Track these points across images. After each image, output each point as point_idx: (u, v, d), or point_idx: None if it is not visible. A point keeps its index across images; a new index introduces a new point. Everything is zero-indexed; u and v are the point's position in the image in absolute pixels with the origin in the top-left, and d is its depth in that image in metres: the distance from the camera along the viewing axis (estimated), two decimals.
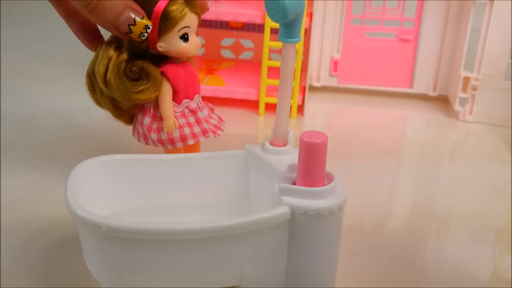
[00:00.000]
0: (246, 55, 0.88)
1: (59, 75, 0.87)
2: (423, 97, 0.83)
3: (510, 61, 0.72)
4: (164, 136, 0.50)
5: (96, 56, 0.48)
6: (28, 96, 0.78)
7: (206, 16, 0.73)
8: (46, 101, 0.77)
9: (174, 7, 0.47)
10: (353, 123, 0.75)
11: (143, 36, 0.46)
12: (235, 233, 0.37)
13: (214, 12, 0.73)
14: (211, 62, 0.85)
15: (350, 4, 0.79)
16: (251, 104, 0.76)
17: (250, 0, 0.76)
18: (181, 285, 0.38)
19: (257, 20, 0.72)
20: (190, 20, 0.48)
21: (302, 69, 0.76)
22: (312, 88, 0.83)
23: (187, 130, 0.50)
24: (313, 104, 0.79)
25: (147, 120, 0.51)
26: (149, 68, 0.48)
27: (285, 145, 0.44)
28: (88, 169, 0.43)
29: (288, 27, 0.39)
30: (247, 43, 0.87)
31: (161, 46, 0.48)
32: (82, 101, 0.78)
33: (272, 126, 0.45)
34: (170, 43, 0.48)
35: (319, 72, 0.82)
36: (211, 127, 0.52)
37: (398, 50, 0.81)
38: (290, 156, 0.44)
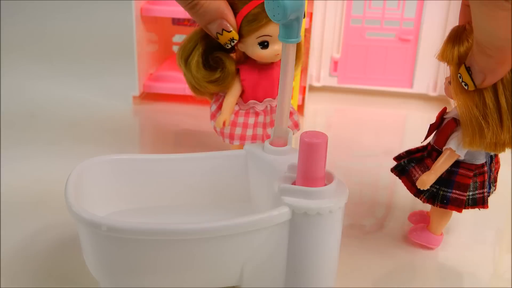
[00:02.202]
0: None
1: (59, 75, 0.87)
2: (423, 97, 0.83)
3: None
4: (218, 128, 0.52)
5: (189, 36, 0.50)
6: (28, 96, 0.78)
7: None
8: (46, 101, 0.77)
9: (256, 14, 0.47)
10: (353, 123, 0.75)
11: (227, 46, 0.48)
12: (235, 233, 0.37)
13: None
14: None
15: (350, 4, 0.79)
16: None
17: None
18: (181, 285, 0.38)
19: None
20: (272, 29, 0.47)
21: (302, 69, 0.76)
22: (312, 88, 0.83)
23: (238, 130, 0.51)
24: (313, 104, 0.79)
25: (213, 107, 0.53)
26: (227, 62, 0.50)
27: (285, 145, 0.44)
28: (88, 169, 0.43)
29: (288, 27, 0.39)
30: None
31: (241, 47, 0.49)
32: (82, 101, 0.78)
33: (272, 126, 0.45)
34: (248, 47, 0.49)
35: (319, 72, 0.82)
36: (270, 132, 0.52)
37: (398, 50, 0.81)
38: (290, 156, 0.44)
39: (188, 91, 0.75)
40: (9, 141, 0.64)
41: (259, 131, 0.52)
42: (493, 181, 0.47)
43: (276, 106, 0.52)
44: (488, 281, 0.45)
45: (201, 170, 0.46)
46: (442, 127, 0.45)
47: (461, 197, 0.45)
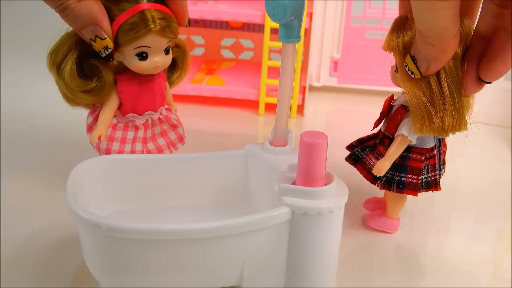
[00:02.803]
0: (246, 55, 0.88)
1: None
2: None
3: None
4: (93, 143, 0.48)
5: (61, 39, 0.46)
6: (28, 96, 0.78)
7: (206, 16, 0.73)
8: (46, 101, 0.77)
9: (134, 23, 0.43)
10: (353, 123, 0.75)
11: (102, 54, 0.44)
12: (235, 233, 0.37)
13: (214, 12, 0.73)
14: (211, 62, 0.86)
15: (350, 4, 0.79)
16: (251, 104, 0.76)
17: (250, 0, 0.76)
18: (181, 285, 0.38)
19: (257, 20, 0.72)
20: (151, 40, 0.44)
21: (302, 69, 0.76)
22: (312, 88, 0.83)
23: (115, 146, 0.48)
24: (313, 104, 0.79)
25: (90, 118, 0.49)
26: (104, 71, 0.46)
27: (285, 145, 0.44)
28: (88, 169, 0.43)
29: (288, 27, 0.39)
30: (247, 43, 0.87)
31: (118, 57, 0.46)
32: None
33: (272, 126, 0.45)
34: (125, 58, 0.46)
35: (319, 72, 0.82)
36: (151, 148, 0.49)
37: None
38: (290, 156, 0.44)
39: (188, 91, 0.76)
40: (8, 140, 0.64)
41: (138, 146, 0.48)
42: (442, 163, 0.49)
43: (158, 119, 0.49)
44: (488, 281, 0.45)
45: (201, 170, 0.46)
46: (392, 115, 0.47)
47: (416, 181, 0.46)
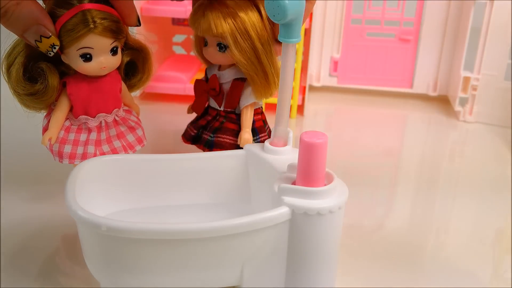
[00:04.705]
0: None
1: None
2: (423, 97, 0.83)
3: (510, 61, 0.72)
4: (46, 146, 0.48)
5: (14, 43, 0.46)
6: None
7: None
8: None
9: (74, 24, 0.43)
10: (353, 123, 0.75)
11: (49, 53, 0.43)
12: (235, 233, 0.37)
13: None
14: None
15: (350, 4, 0.79)
16: None
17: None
18: (181, 285, 0.38)
19: None
20: (93, 41, 0.43)
21: (302, 69, 0.76)
22: (312, 88, 0.83)
23: (67, 148, 0.47)
24: (313, 104, 0.79)
25: (45, 121, 0.49)
26: (49, 73, 0.45)
27: (285, 145, 0.44)
28: (88, 169, 0.43)
29: (288, 27, 0.39)
30: None
31: (64, 59, 0.45)
32: None
33: (272, 126, 0.45)
34: (71, 60, 0.45)
35: (319, 72, 0.82)
36: (106, 150, 0.48)
37: (398, 50, 0.81)
38: (290, 156, 0.44)
39: (188, 91, 0.76)
40: (9, 140, 0.64)
41: (90, 149, 0.47)
42: None
43: (112, 121, 0.49)
44: (488, 281, 0.45)
45: (201, 170, 0.46)
46: (230, 91, 0.50)
47: (265, 137, 0.52)
